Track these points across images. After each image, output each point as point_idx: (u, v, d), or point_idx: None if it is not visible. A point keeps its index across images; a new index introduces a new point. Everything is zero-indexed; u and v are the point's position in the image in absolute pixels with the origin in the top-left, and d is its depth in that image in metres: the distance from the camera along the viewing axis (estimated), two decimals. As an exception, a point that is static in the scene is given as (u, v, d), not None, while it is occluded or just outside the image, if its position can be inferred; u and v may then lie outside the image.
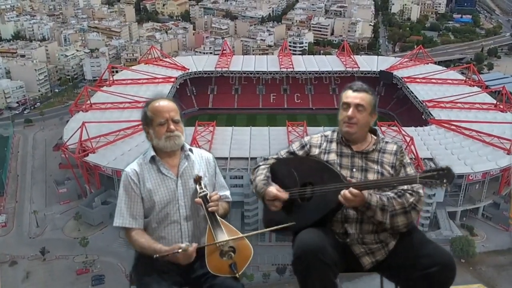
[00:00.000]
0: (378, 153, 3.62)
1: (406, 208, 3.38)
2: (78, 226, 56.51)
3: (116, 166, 52.67)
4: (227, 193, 3.98)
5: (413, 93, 74.00)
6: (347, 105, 3.56)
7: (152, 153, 3.70)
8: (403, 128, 60.87)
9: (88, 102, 68.38)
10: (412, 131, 60.23)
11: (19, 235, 57.13)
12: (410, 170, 3.57)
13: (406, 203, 3.38)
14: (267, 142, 59.06)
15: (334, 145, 3.69)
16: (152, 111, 3.65)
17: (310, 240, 3.28)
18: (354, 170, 3.56)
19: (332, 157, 3.63)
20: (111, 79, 77.94)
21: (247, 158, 55.54)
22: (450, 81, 77.78)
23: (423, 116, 68.33)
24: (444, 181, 3.11)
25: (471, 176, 54.08)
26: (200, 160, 3.86)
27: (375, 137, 3.69)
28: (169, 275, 3.51)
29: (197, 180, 3.63)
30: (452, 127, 61.82)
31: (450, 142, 58.90)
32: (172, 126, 3.62)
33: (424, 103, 69.45)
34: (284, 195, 3.52)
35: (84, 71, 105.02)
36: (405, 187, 3.44)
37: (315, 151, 3.72)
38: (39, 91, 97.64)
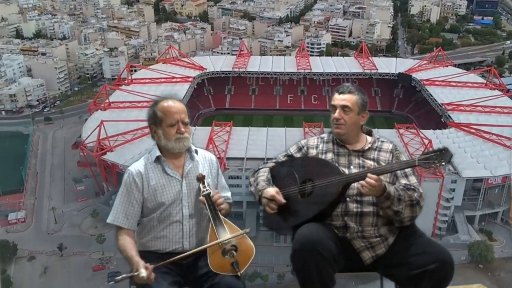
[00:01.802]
0: (374, 151, 3.73)
1: (413, 201, 3.44)
2: (95, 223, 57.18)
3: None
4: (228, 194, 3.99)
5: (432, 95, 73.15)
6: (334, 107, 3.70)
7: (158, 153, 3.69)
8: (422, 130, 60.30)
9: (107, 101, 69.12)
10: (431, 134, 59.61)
11: (38, 231, 58.05)
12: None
13: (413, 196, 3.45)
14: (284, 142, 58.91)
15: (330, 146, 3.78)
16: (162, 111, 3.63)
17: (308, 233, 3.30)
18: (351, 167, 3.62)
19: (330, 156, 3.72)
20: (130, 78, 78.68)
21: (263, 159, 55.40)
22: (470, 84, 76.62)
23: (442, 119, 67.50)
24: (442, 160, 3.27)
25: (491, 180, 53.30)
26: (203, 161, 3.87)
27: (371, 137, 3.81)
28: (170, 275, 3.49)
29: (201, 178, 3.64)
30: (472, 130, 60.96)
31: (470, 145, 58.08)
32: (182, 129, 3.62)
33: (443, 106, 68.61)
34: (281, 200, 3.54)
35: (103, 70, 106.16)
36: (408, 182, 3.56)
37: (313, 152, 3.81)
38: (59, 89, 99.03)
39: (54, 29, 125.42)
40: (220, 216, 3.53)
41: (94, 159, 57.11)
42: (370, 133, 3.85)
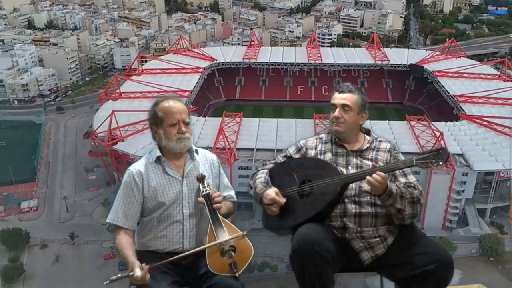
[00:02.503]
0: (372, 151, 3.76)
1: (414, 199, 3.47)
2: (106, 212, 57.34)
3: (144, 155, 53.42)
4: (232, 193, 4.01)
5: (444, 87, 72.45)
6: (334, 106, 3.74)
7: (158, 153, 3.70)
8: (433, 123, 59.81)
9: (118, 91, 69.39)
10: (442, 126, 59.12)
11: (50, 219, 58.79)
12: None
13: (413, 194, 3.48)
14: (294, 134, 58.87)
15: (329, 146, 3.81)
16: (163, 111, 3.62)
17: (307, 233, 3.32)
18: (349, 167, 3.66)
19: (328, 156, 3.75)
20: (140, 68, 78.89)
21: (273, 150, 55.53)
22: (483, 76, 75.70)
23: (454, 111, 66.89)
24: (439, 160, 3.28)
25: (502, 173, 52.79)
26: (204, 161, 3.87)
27: (369, 137, 3.83)
28: (169, 275, 3.50)
29: (201, 178, 3.64)
30: (484, 122, 60.33)
31: (482, 138, 57.51)
32: (183, 128, 3.63)
33: (455, 98, 67.93)
34: (282, 200, 3.56)
35: (114, 60, 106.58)
36: (407, 180, 3.59)
37: (311, 153, 3.84)
38: (70, 79, 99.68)
39: (65, 19, 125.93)
40: (220, 216, 3.53)
41: (105, 149, 57.49)
42: (368, 133, 3.88)
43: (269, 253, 46.51)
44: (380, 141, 3.82)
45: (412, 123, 60.54)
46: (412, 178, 3.61)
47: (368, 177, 3.34)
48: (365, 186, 3.52)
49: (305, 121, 63.68)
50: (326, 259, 3.26)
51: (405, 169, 3.62)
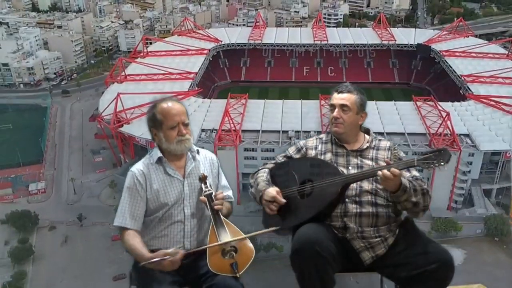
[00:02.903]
0: (373, 150, 3.76)
1: (424, 190, 3.49)
2: (113, 194, 58.17)
3: (150, 137, 53.41)
4: (230, 193, 3.98)
5: (451, 67, 71.72)
6: (333, 106, 3.75)
7: (159, 154, 3.70)
8: (440, 103, 59.41)
9: (123, 73, 69.28)
10: (449, 106, 58.70)
11: (58, 201, 59.41)
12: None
13: (423, 186, 3.50)
14: (299, 115, 58.76)
15: (329, 146, 3.82)
16: (162, 113, 3.61)
17: (307, 233, 3.33)
18: (350, 167, 3.67)
19: (328, 157, 3.76)
20: (145, 50, 78.59)
21: (278, 131, 55.54)
22: (491, 55, 74.79)
23: (461, 91, 66.32)
24: (441, 161, 3.27)
25: (509, 154, 52.52)
26: (204, 160, 3.88)
27: (369, 136, 3.84)
28: (169, 275, 3.49)
29: (203, 178, 3.64)
30: (491, 102, 59.79)
31: (489, 118, 57.06)
32: (183, 131, 3.61)
33: (462, 78, 67.29)
34: (282, 200, 3.57)
35: (119, 43, 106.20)
36: (412, 174, 3.59)
37: (311, 153, 3.85)
38: (75, 62, 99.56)
39: (69, 1, 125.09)
40: (221, 216, 3.53)
41: (111, 131, 57.71)
42: (368, 132, 3.87)
43: (274, 233, 46.82)
44: (379, 140, 3.84)
45: (419, 103, 60.15)
46: (416, 173, 3.63)
47: (383, 171, 3.31)
48: (366, 186, 3.55)
49: (311, 102, 63.37)
50: (327, 259, 3.28)
51: None
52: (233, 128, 54.11)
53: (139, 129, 55.31)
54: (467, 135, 53.33)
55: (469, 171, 52.50)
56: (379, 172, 3.33)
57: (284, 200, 3.57)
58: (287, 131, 55.32)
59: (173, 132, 3.59)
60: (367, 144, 3.77)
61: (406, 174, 3.57)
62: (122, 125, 56.91)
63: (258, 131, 55.50)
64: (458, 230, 49.83)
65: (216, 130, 53.93)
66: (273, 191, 3.60)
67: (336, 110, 3.70)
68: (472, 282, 4.66)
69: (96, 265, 47.94)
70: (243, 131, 55.33)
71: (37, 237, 53.70)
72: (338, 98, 3.73)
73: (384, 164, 3.55)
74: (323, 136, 3.94)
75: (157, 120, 3.63)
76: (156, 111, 3.64)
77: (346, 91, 3.74)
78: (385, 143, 3.80)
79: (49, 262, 50.05)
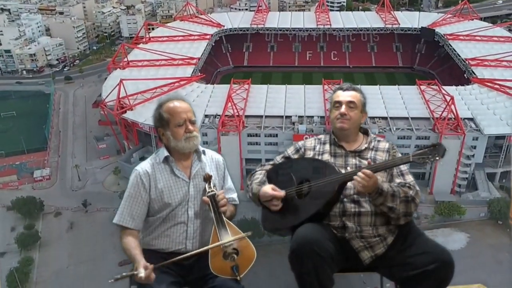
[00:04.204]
0: (371, 151, 3.76)
1: (408, 198, 3.46)
2: (117, 180, 58.44)
3: (153, 123, 53.58)
4: (234, 195, 3.98)
5: (455, 50, 71.14)
6: (339, 103, 3.75)
7: (166, 153, 3.70)
8: (444, 87, 59.10)
9: (125, 59, 69.09)
10: (453, 90, 58.37)
11: (62, 188, 59.74)
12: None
13: (408, 193, 3.47)
14: (303, 100, 58.56)
15: (327, 147, 3.82)
16: (168, 112, 3.62)
17: (306, 234, 3.33)
18: (348, 168, 3.66)
19: (326, 157, 3.76)
20: (148, 36, 78.26)
21: (282, 117, 55.43)
22: (496, 39, 74.06)
23: (465, 75, 65.87)
24: (436, 155, 3.29)
25: (513, 137, 52.40)
26: (210, 162, 3.88)
27: (367, 137, 3.84)
28: (170, 275, 3.51)
29: (207, 178, 3.62)
30: (496, 86, 59.43)
31: (493, 101, 56.78)
32: (191, 127, 3.62)
33: (467, 62, 66.78)
34: (280, 193, 3.57)
35: (121, 28, 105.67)
36: (403, 181, 3.58)
37: (310, 154, 3.85)
38: (77, 48, 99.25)
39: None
40: (224, 218, 3.52)
41: (115, 118, 57.76)
42: (366, 133, 3.88)
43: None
44: (378, 141, 3.83)
45: (422, 87, 59.84)
46: (409, 178, 3.60)
47: (355, 176, 3.34)
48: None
49: (314, 87, 63.17)
50: (325, 259, 3.28)
51: (402, 169, 3.63)
52: (236, 114, 54.05)
53: (142, 115, 55.37)
54: (471, 119, 53.12)
55: (473, 155, 52.42)
56: (355, 176, 3.35)
57: (283, 192, 3.57)
58: (290, 116, 55.22)
59: (181, 129, 3.60)
60: (366, 145, 3.77)
61: (397, 180, 3.58)
62: (125, 111, 56.92)
63: (261, 116, 55.43)
64: (462, 214, 49.89)
65: (219, 115, 53.87)
66: (268, 189, 3.60)
67: (344, 106, 3.70)
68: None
69: (101, 251, 48.36)
70: (246, 116, 55.26)
71: (43, 223, 54.15)
72: (345, 95, 3.75)
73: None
74: (321, 136, 3.95)
75: (163, 119, 3.64)
76: (162, 111, 3.65)
77: (351, 89, 3.79)
78: (383, 145, 3.79)
79: (55, 248, 50.54)
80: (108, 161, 62.49)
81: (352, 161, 3.70)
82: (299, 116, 55.06)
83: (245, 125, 54.03)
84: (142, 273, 3.22)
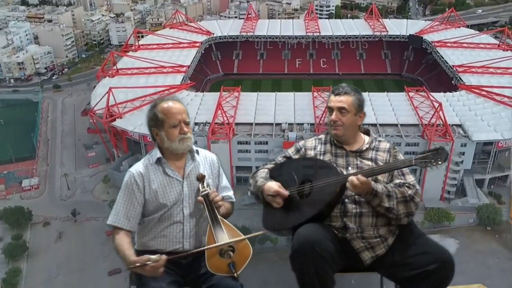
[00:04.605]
0: (372, 151, 3.74)
1: (407, 197, 3.46)
2: (107, 189, 58.02)
3: (142, 131, 53.39)
4: (230, 193, 3.98)
5: (443, 57, 71.93)
6: (331, 109, 3.72)
7: (158, 154, 3.68)
8: (432, 93, 59.66)
9: (115, 67, 68.88)
10: (441, 96, 58.94)
11: (51, 197, 59.15)
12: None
13: (406, 193, 3.47)
14: (292, 107, 58.75)
15: (328, 147, 3.80)
16: (163, 112, 3.59)
17: (307, 234, 3.31)
18: (349, 168, 3.64)
19: (327, 157, 3.74)
20: (137, 44, 78.15)
21: (272, 124, 55.51)
22: (482, 46, 75.09)
23: (453, 82, 66.57)
24: (438, 160, 3.26)
25: (501, 143, 52.93)
26: (204, 161, 3.87)
27: (368, 137, 3.82)
28: (169, 274, 3.49)
29: (201, 178, 3.62)
30: (483, 92, 60.09)
31: (480, 108, 57.38)
32: (185, 129, 3.60)
33: (454, 68, 67.54)
34: (285, 192, 3.56)
35: (110, 36, 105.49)
36: (403, 181, 3.57)
37: (311, 153, 3.83)
38: (66, 56, 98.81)
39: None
40: (219, 216, 3.52)
41: (104, 126, 57.47)
42: (367, 133, 3.86)
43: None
44: (379, 141, 3.81)
45: (411, 94, 60.35)
46: (410, 178, 3.59)
47: (348, 179, 3.34)
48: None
49: (304, 94, 63.43)
50: (326, 259, 3.27)
51: (403, 170, 3.61)
52: (226, 121, 54.02)
53: (131, 123, 55.20)
54: (460, 126, 53.61)
55: (462, 162, 52.83)
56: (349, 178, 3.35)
57: (287, 192, 3.56)
58: (280, 124, 55.33)
59: (175, 130, 3.58)
60: (367, 145, 3.76)
61: (397, 180, 3.58)
62: (114, 119, 56.68)
63: (251, 124, 55.46)
64: (451, 220, 50.18)
65: (209, 123, 53.82)
66: (274, 185, 3.60)
67: (334, 113, 3.67)
68: (471, 282, 4.68)
69: (91, 260, 47.89)
70: (236, 124, 55.28)
71: (31, 233, 53.50)
72: (336, 100, 3.70)
73: (382, 164, 3.59)
74: (322, 136, 3.92)
75: (158, 120, 3.60)
76: (157, 111, 3.61)
77: (343, 93, 3.71)
78: (384, 145, 3.78)
79: (43, 258, 49.93)
80: (97, 169, 62.07)
81: (354, 161, 3.69)
82: (289, 124, 55.17)
83: (235, 133, 54.02)
84: (156, 259, 3.20)
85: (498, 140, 52.60)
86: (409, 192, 3.47)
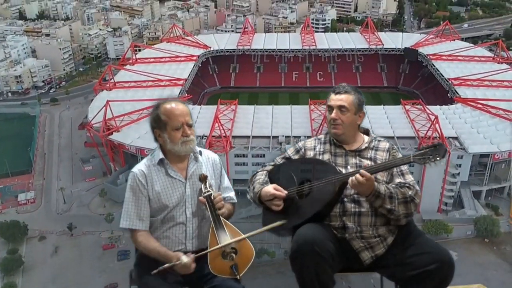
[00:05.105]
0: (371, 150, 3.74)
1: (407, 198, 3.46)
2: (103, 202, 57.78)
3: (139, 144, 53.42)
4: (232, 194, 3.98)
5: (438, 70, 72.40)
6: (331, 107, 3.72)
7: (161, 155, 3.68)
8: (428, 106, 59.92)
9: (112, 81, 69.03)
10: (437, 109, 59.21)
11: (47, 211, 58.79)
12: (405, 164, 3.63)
13: (407, 194, 3.47)
14: (289, 120, 58.90)
15: (327, 146, 3.81)
16: (166, 114, 3.57)
17: (306, 234, 3.33)
18: (348, 167, 3.65)
19: (327, 157, 3.75)
20: (134, 57, 78.43)
21: (269, 137, 55.59)
22: (477, 58, 75.68)
23: (448, 95, 66.94)
24: (437, 155, 3.27)
25: (497, 155, 53.11)
26: (207, 161, 3.86)
27: (368, 137, 3.82)
28: (171, 275, 3.50)
29: (203, 179, 3.63)
30: (479, 105, 60.44)
31: (476, 120, 57.69)
32: (188, 131, 3.59)
33: (450, 81, 67.96)
34: (282, 193, 3.58)
35: (107, 50, 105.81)
36: (403, 180, 3.58)
37: (310, 154, 3.84)
38: (64, 70, 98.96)
39: (57, 9, 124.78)
40: (221, 218, 3.53)
41: (101, 139, 57.40)
42: (367, 133, 3.87)
43: (266, 239, 46.79)
44: (378, 141, 3.81)
45: (407, 107, 60.61)
46: (409, 178, 3.60)
47: (351, 178, 3.34)
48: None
49: (301, 107, 63.65)
50: (326, 259, 3.28)
51: (403, 169, 3.62)
52: (223, 134, 54.09)
53: (129, 137, 55.20)
54: (456, 138, 53.81)
55: (459, 174, 52.94)
56: (350, 178, 3.36)
57: (285, 192, 3.58)
58: (277, 137, 55.41)
59: (178, 133, 3.57)
60: (366, 145, 3.76)
61: (397, 180, 3.58)
62: (111, 133, 56.64)
63: (248, 136, 55.53)
64: (449, 232, 50.13)
65: (206, 136, 53.85)
66: (270, 188, 3.61)
67: (334, 111, 3.67)
68: (471, 282, 4.69)
69: (87, 275, 47.47)
70: (234, 137, 55.34)
71: (26, 247, 53.07)
72: (336, 99, 3.70)
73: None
74: (321, 136, 3.92)
75: (161, 121, 3.58)
76: (160, 112, 3.60)
77: (343, 92, 3.71)
78: (384, 144, 3.78)
79: (39, 273, 49.46)
80: (94, 183, 61.82)
81: (353, 160, 3.69)
82: (286, 136, 55.27)
83: (232, 146, 54.05)
84: (186, 259, 3.35)
85: (494, 152, 52.80)
86: (410, 193, 3.48)
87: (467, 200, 54.22)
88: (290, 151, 3.97)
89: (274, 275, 44.80)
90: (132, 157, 56.72)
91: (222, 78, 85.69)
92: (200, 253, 3.49)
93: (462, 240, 50.72)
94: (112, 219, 52.77)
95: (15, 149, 70.78)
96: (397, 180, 3.59)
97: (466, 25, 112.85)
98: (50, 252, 52.24)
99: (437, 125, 52.35)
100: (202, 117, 59.35)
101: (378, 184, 3.41)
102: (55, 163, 68.13)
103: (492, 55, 76.97)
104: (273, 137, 55.47)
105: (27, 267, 50.13)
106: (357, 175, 3.32)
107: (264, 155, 53.66)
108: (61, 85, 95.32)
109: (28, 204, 59.81)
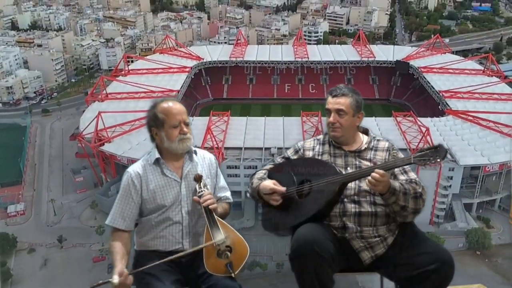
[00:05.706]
0: (371, 151, 3.73)
1: (417, 194, 3.45)
2: (94, 214, 57.29)
3: (131, 155, 53.11)
4: (228, 194, 3.98)
5: (429, 83, 73.05)
6: (329, 111, 3.71)
7: (157, 155, 3.70)
8: (419, 118, 60.34)
9: (104, 92, 68.87)
10: (428, 121, 59.62)
11: (37, 223, 58.15)
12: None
13: (417, 189, 3.46)
14: (282, 132, 58.99)
15: (326, 147, 3.79)
16: (163, 112, 3.62)
17: (306, 234, 3.32)
18: (348, 168, 3.64)
19: (325, 158, 3.74)
20: (127, 68, 78.35)
21: (261, 148, 55.61)
22: (467, 71, 76.50)
23: (439, 107, 67.49)
24: (437, 157, 3.25)
25: (488, 168, 53.46)
26: (202, 161, 3.88)
27: (367, 137, 3.80)
28: (171, 273, 3.50)
29: (198, 178, 3.64)
30: (469, 117, 60.97)
31: (467, 133, 58.13)
32: (185, 129, 3.64)
33: (441, 94, 68.56)
34: (281, 188, 3.57)
35: (100, 61, 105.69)
36: (408, 177, 3.56)
37: (309, 154, 3.83)
38: (56, 81, 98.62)
39: (49, 20, 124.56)
40: (216, 217, 3.53)
41: (92, 150, 57.08)
42: (366, 132, 3.85)
43: (259, 251, 46.58)
44: (378, 140, 3.79)
45: (399, 119, 60.98)
46: (413, 175, 3.59)
47: (368, 178, 3.31)
48: (365, 185, 3.48)
49: (293, 119, 63.82)
50: (326, 259, 3.26)
51: (405, 167, 3.60)
52: (216, 146, 54.03)
53: (120, 148, 54.95)
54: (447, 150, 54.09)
55: (450, 186, 53.19)
56: (367, 178, 3.33)
57: (283, 188, 3.57)
58: (269, 148, 55.43)
59: (175, 131, 3.61)
60: (366, 145, 3.74)
61: (402, 177, 3.56)
62: (103, 144, 56.37)
63: (240, 148, 55.50)
64: (441, 244, 50.20)
65: (198, 147, 53.47)
66: (269, 183, 3.61)
67: (332, 115, 3.67)
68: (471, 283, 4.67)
69: (76, 288, 46.88)
70: (226, 148, 55.28)
71: (15, 260, 52.33)
72: (333, 102, 3.68)
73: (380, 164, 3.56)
74: (320, 137, 3.91)
75: (158, 119, 3.62)
76: (157, 111, 3.64)
77: (340, 95, 3.69)
78: (383, 144, 3.76)
79: (28, 286, 48.75)
80: (85, 194, 61.30)
81: (353, 161, 3.67)
82: (278, 148, 55.24)
83: (224, 157, 53.97)
84: (115, 279, 3.21)
85: (485, 165, 53.14)
86: (418, 188, 3.47)
87: (458, 213, 54.42)
88: (289, 152, 3.97)
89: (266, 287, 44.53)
90: (123, 168, 56.28)
91: (215, 90, 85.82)
92: (194, 248, 3.50)
93: (454, 252, 50.61)
94: (103, 231, 52.27)
95: (5, 159, 70.11)
96: (401, 177, 3.57)
97: (447, 40, 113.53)
98: (39, 265, 51.54)
99: (428, 136, 52.67)
100: (194, 128, 57.62)
101: (393, 181, 3.40)
102: (45, 174, 67.55)
103: (482, 68, 77.87)
104: (266, 148, 55.49)
105: (16, 280, 49.39)
106: (373, 174, 3.29)
107: (256, 167, 53.52)
108: (52, 96, 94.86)
109: (18, 216, 59.08)
